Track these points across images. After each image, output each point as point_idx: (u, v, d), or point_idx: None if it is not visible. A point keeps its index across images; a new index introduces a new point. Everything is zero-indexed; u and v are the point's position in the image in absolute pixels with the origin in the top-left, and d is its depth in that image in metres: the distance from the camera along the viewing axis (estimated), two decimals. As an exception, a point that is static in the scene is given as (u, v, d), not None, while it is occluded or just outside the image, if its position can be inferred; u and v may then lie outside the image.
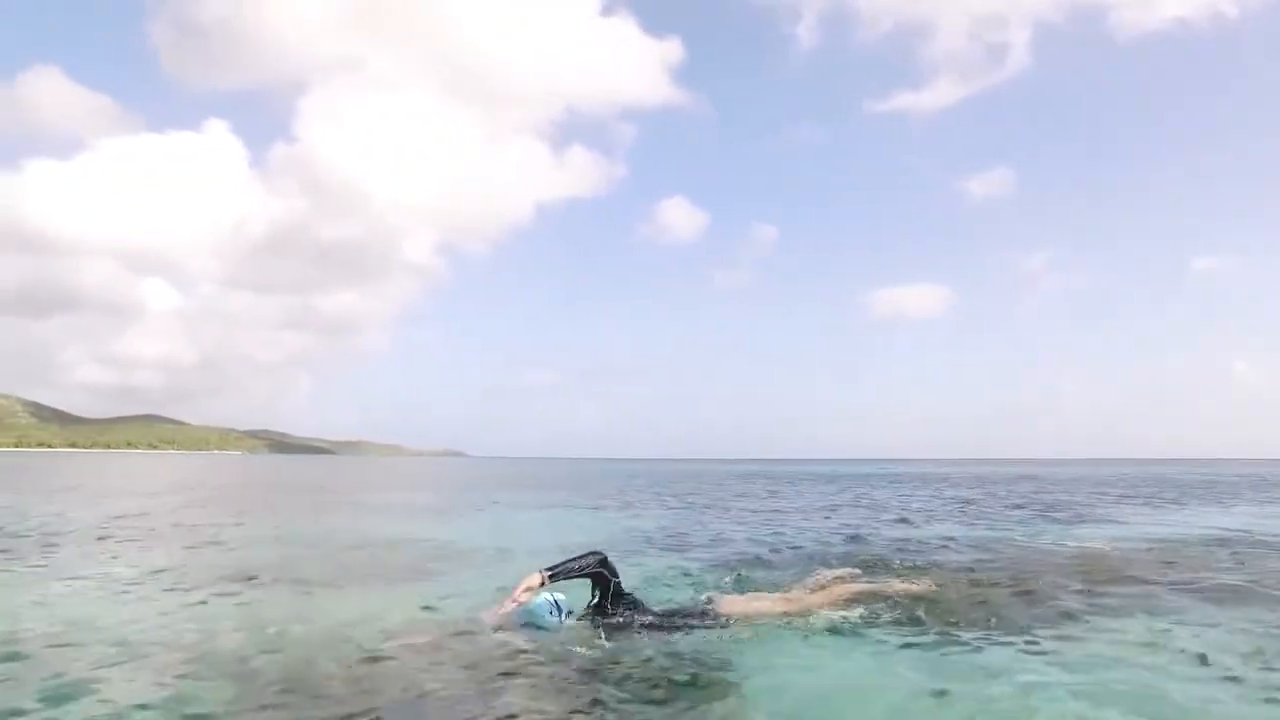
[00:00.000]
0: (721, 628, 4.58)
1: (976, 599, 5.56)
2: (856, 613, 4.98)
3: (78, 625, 4.73)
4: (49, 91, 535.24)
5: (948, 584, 6.04)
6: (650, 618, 4.60)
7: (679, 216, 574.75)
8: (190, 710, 3.27)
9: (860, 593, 5.36)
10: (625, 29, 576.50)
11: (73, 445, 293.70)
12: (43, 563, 7.58)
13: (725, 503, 17.92)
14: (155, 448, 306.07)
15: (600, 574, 4.63)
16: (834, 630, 4.70)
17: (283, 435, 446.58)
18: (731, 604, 5.00)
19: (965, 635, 4.55)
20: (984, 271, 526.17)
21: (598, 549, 4.75)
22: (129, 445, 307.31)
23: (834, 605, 5.10)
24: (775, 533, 10.77)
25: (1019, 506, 16.26)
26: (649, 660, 4.00)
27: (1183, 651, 4.22)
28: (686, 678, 3.75)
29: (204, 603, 5.59)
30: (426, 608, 5.32)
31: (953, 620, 4.88)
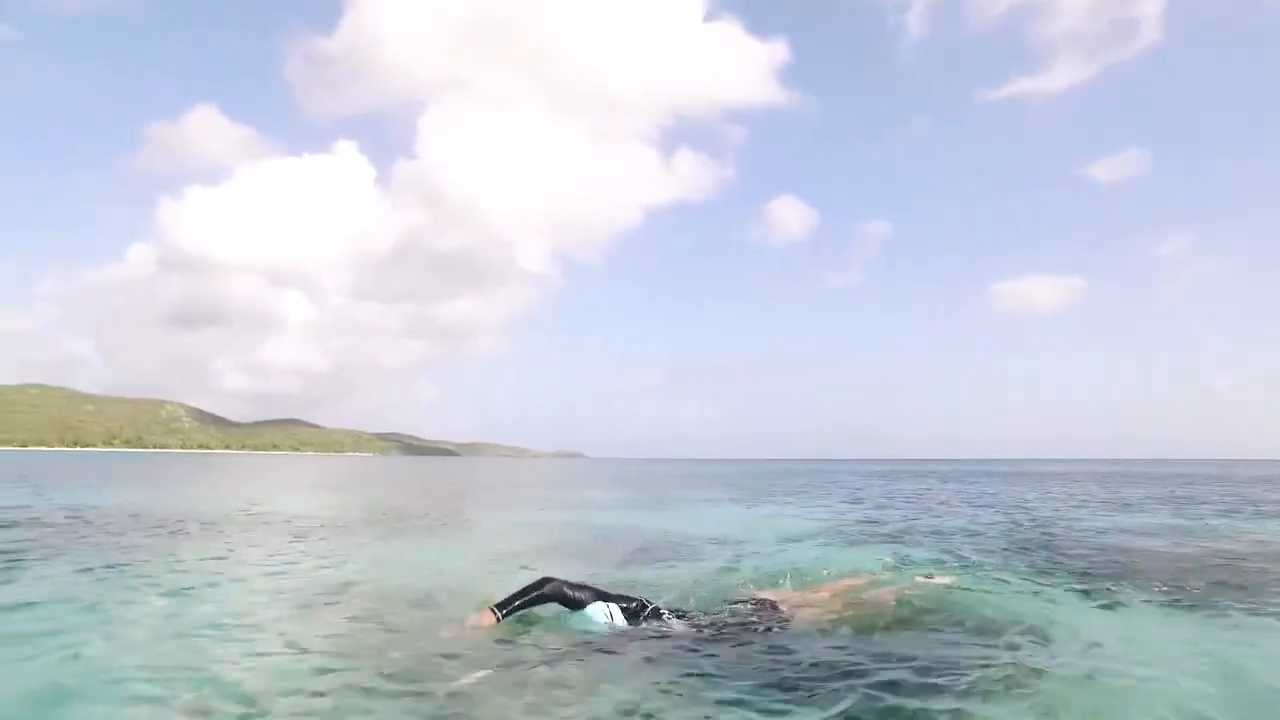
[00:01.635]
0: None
1: (1231, 578, 6.31)
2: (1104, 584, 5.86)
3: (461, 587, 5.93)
4: (205, 127, 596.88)
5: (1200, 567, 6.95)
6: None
7: (789, 215, 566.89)
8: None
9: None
10: (730, 32, 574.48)
11: (226, 447, 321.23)
12: (412, 543, 9.42)
13: (929, 498, 18.59)
14: (296, 450, 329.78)
15: (569, 598, 4.40)
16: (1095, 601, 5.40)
17: (411, 437, 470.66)
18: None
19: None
20: (1117, 259, 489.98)
21: (549, 577, 4.50)
22: (273, 447, 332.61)
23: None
24: (1015, 523, 11.82)
25: (1230, 498, 16.22)
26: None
27: None
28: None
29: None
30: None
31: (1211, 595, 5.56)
